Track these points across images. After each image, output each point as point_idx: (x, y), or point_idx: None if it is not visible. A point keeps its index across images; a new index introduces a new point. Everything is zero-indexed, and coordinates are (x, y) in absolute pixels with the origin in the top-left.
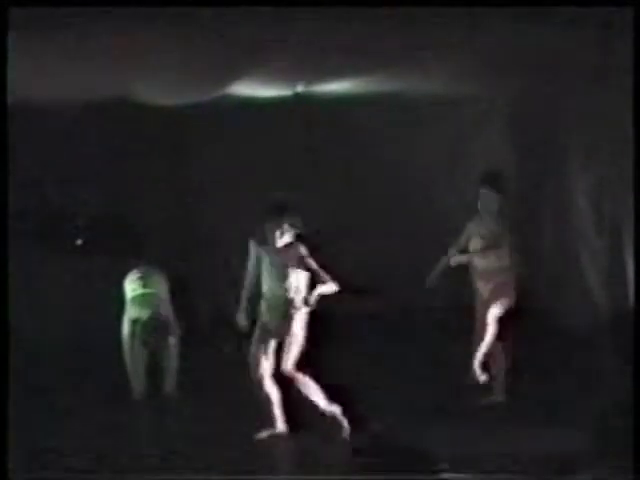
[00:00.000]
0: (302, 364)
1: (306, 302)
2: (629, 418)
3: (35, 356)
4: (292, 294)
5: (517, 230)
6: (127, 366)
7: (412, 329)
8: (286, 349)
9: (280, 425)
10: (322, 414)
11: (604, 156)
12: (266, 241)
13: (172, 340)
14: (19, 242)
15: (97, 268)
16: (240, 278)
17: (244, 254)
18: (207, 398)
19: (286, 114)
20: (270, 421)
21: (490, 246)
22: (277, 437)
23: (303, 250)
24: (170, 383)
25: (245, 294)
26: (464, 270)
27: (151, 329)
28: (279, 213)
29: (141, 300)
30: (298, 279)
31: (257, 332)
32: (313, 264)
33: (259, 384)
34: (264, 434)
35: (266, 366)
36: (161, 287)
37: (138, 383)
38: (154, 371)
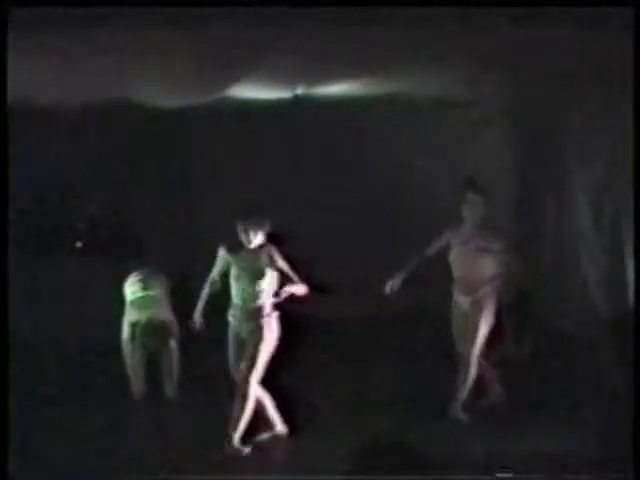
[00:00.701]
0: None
1: (276, 294)
2: (629, 418)
3: (35, 358)
4: (263, 299)
5: (509, 236)
6: (127, 368)
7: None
8: (256, 355)
9: (280, 426)
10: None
11: (604, 156)
12: (241, 245)
13: (172, 343)
14: (19, 244)
15: (97, 271)
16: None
17: None
18: (207, 399)
19: (286, 115)
20: (269, 423)
21: (471, 255)
22: (277, 438)
23: (273, 251)
24: (170, 385)
25: (204, 295)
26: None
27: (151, 331)
28: (248, 215)
29: (141, 303)
30: (269, 282)
31: (230, 343)
32: (284, 265)
33: (244, 395)
34: (264, 435)
35: (248, 374)
36: (161, 290)
37: (138, 386)
38: (154, 374)
